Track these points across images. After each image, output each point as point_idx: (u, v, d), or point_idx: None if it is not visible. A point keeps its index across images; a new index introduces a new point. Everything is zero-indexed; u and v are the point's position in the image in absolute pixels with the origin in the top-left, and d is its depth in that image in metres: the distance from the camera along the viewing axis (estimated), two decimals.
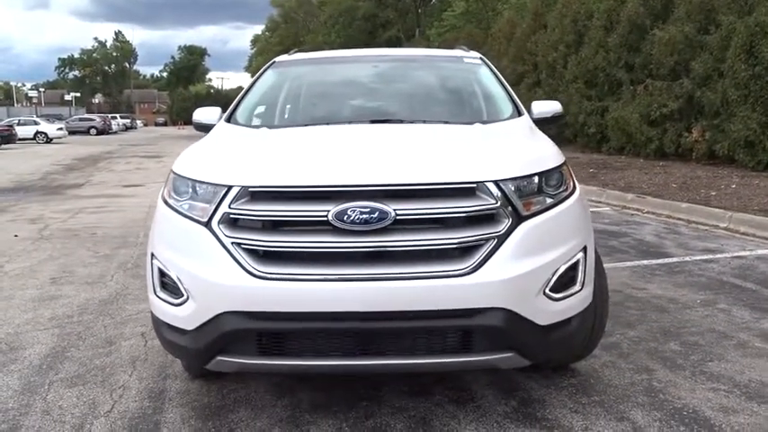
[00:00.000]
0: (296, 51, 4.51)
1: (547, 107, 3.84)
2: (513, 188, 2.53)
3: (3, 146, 28.08)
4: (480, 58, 4.17)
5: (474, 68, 4.05)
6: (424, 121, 3.37)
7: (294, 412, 2.90)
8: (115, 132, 50.02)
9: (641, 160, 13.60)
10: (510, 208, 2.50)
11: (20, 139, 33.53)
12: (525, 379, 3.21)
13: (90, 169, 17.33)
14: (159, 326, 2.76)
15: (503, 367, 2.66)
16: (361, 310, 2.40)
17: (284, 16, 53.29)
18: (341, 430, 2.74)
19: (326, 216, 2.40)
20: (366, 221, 2.39)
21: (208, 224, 2.53)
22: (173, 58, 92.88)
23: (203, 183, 2.61)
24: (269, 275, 2.42)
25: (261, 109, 3.83)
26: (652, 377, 3.22)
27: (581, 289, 2.72)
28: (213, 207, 2.53)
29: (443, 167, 2.55)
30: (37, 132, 37.26)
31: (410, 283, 2.39)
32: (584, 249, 2.74)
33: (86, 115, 57.38)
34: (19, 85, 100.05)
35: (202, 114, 3.83)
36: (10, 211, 9.87)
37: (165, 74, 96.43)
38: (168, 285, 2.66)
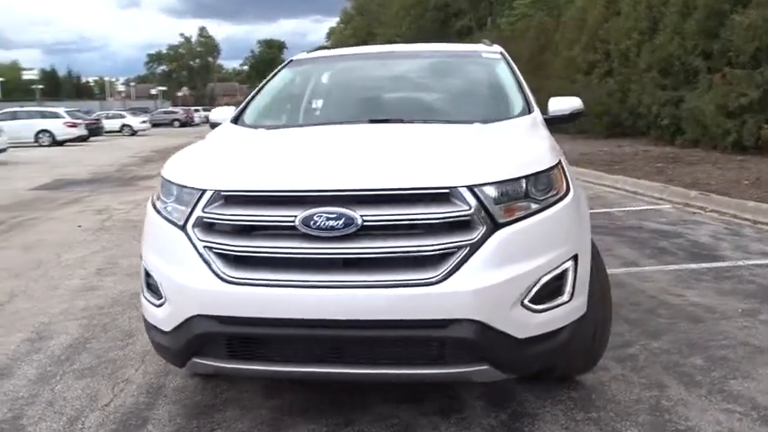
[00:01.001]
0: (316, 49, 4.48)
1: (564, 104, 3.66)
2: (489, 194, 2.40)
3: (90, 138, 29.60)
4: (500, 53, 4.01)
5: (491, 64, 3.90)
6: (425, 121, 3.27)
7: (278, 415, 2.89)
8: (197, 124, 51.81)
9: (717, 154, 12.81)
10: (485, 214, 2.37)
11: (108, 132, 35.33)
12: (523, 390, 3.07)
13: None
14: (146, 326, 2.81)
15: (478, 380, 2.55)
16: (328, 317, 2.35)
17: (358, 8, 53.63)
18: None
19: (294, 221, 2.36)
20: (332, 228, 2.34)
21: (183, 227, 2.54)
22: (252, 51, 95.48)
23: (182, 186, 2.62)
24: (238, 280, 2.40)
25: (268, 109, 3.82)
26: (662, 394, 3.02)
27: (569, 300, 2.56)
28: (189, 210, 2.54)
29: (415, 172, 2.45)
30: (123, 125, 39.15)
31: (377, 292, 2.32)
32: (575, 258, 2.58)
33: (170, 108, 59.78)
34: (113, 79, 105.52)
35: (217, 114, 3.88)
36: (81, 202, 10.39)
37: (245, 67, 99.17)
38: (152, 286, 2.70)
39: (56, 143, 26.52)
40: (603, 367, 3.31)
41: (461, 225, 2.37)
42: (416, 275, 2.32)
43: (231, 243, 2.45)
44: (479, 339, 2.34)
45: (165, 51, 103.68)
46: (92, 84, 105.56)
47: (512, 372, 2.53)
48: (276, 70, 4.16)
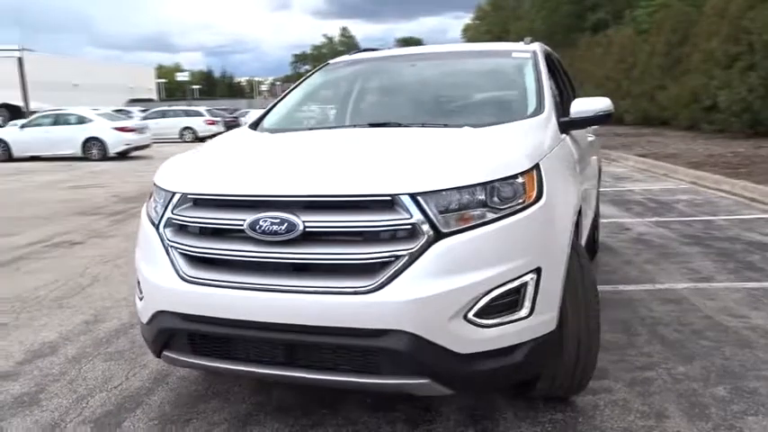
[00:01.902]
0: (358, 51, 4.51)
1: (588, 105, 3.42)
2: (432, 202, 2.32)
3: None
4: (533, 52, 3.81)
5: (517, 64, 3.72)
6: (423, 125, 3.20)
7: (254, 411, 2.97)
8: None
9: None
10: (427, 223, 2.30)
11: None
12: (506, 406, 2.93)
13: None
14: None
15: (420, 394, 2.47)
16: (273, 321, 2.39)
17: (493, 4, 52.87)
18: None
19: (243, 225, 2.43)
20: (275, 232, 2.37)
21: (157, 227, 2.69)
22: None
23: (160, 188, 2.77)
24: (196, 280, 2.51)
25: (290, 112, 3.90)
26: (658, 425, 2.75)
27: (528, 316, 2.42)
28: (162, 211, 2.69)
29: (359, 179, 2.42)
30: None
31: (315, 298, 2.32)
32: (537, 271, 2.43)
33: None
34: (260, 79, 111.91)
35: (250, 117, 4.04)
36: None
37: None
38: (138, 281, 2.89)
39: (197, 139, 28.63)
40: (608, 389, 3.08)
41: (402, 233, 2.31)
42: (353, 283, 2.30)
43: (192, 244, 2.56)
44: (413, 352, 2.27)
45: (308, 52, 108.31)
46: (243, 83, 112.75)
47: (457, 388, 2.43)
48: (310, 73, 4.25)
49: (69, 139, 18.75)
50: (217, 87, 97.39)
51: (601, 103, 3.46)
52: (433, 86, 3.84)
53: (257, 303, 2.40)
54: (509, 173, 2.45)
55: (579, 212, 3.12)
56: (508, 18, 49.31)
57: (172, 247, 2.60)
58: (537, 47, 3.96)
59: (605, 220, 7.33)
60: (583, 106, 3.42)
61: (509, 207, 2.42)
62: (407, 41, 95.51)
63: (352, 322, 2.29)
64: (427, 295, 2.26)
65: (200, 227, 2.57)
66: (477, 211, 2.38)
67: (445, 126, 3.13)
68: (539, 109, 3.27)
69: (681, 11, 21.75)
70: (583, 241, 3.53)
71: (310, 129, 3.50)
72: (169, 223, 2.65)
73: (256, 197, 2.47)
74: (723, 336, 3.74)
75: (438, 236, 2.30)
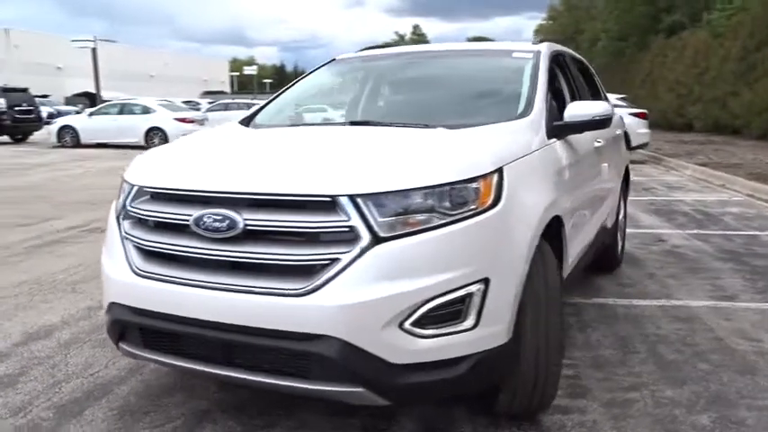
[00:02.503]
0: (366, 48, 4.44)
1: (583, 110, 3.26)
2: (372, 204, 2.23)
3: None
4: (535, 53, 3.64)
5: (515, 64, 3.57)
6: (404, 125, 3.10)
7: (212, 407, 2.96)
8: None
9: None
10: (365, 227, 2.21)
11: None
12: (466, 419, 2.81)
13: None
14: None
15: (356, 403, 2.38)
16: (210, 319, 2.36)
17: (565, 4, 51.53)
18: None
19: (188, 220, 2.41)
20: (217, 229, 2.34)
21: (117, 219, 2.71)
22: None
23: (124, 181, 2.79)
24: (145, 274, 2.51)
25: (288, 106, 3.87)
26: None
27: (473, 327, 2.30)
28: (122, 204, 2.71)
29: (301, 178, 2.35)
30: None
31: (252, 298, 2.28)
32: (486, 281, 2.30)
33: None
34: None
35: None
36: None
37: None
38: None
39: None
40: (582, 409, 2.92)
41: (340, 236, 2.24)
42: (288, 285, 2.24)
43: (145, 238, 2.56)
44: (344, 359, 2.19)
45: None
46: None
47: (394, 399, 2.33)
48: (314, 69, 4.21)
49: (133, 127, 19.43)
50: (287, 81, 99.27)
51: (597, 108, 3.28)
52: (425, 86, 3.74)
53: (199, 301, 2.38)
54: (459, 177, 2.33)
55: (561, 222, 2.97)
56: (581, 18, 47.99)
57: (127, 239, 2.62)
58: (543, 47, 3.78)
59: (641, 231, 7.03)
60: (578, 110, 3.25)
61: (458, 213, 2.30)
62: (478, 41, 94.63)
63: (285, 325, 2.24)
64: (360, 301, 2.17)
65: (153, 220, 2.57)
66: (423, 216, 2.27)
67: (425, 126, 3.03)
68: (525, 111, 3.12)
69: (760, 15, 20.58)
70: (573, 252, 3.35)
71: (292, 125, 3.46)
72: (127, 216, 2.66)
73: (202, 193, 2.44)
74: (727, 359, 3.48)
75: (376, 240, 2.21)
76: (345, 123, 3.26)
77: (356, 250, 2.20)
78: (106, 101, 23.90)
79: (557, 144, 3.16)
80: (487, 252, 2.34)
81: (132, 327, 2.61)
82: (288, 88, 4.04)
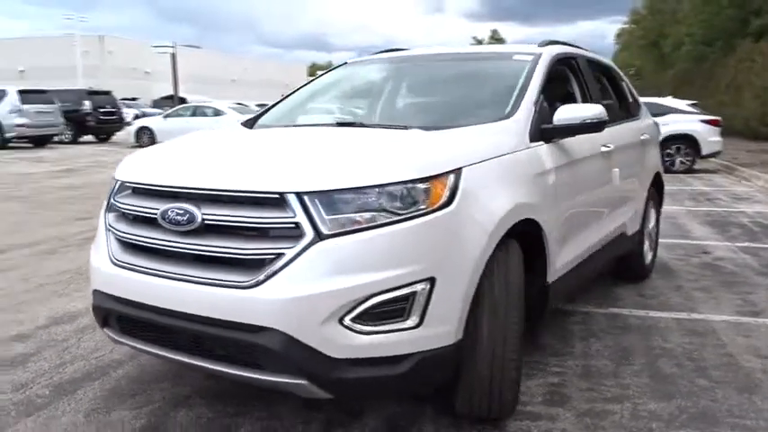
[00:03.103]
0: (381, 52, 4.50)
1: (574, 113, 3.20)
2: (318, 202, 2.29)
3: None
4: (536, 56, 3.60)
5: (514, 67, 3.53)
6: (387, 126, 3.15)
7: (194, 394, 3.08)
8: None
9: None
10: (309, 223, 2.27)
11: None
12: (429, 419, 2.81)
13: None
14: None
15: (303, 395, 2.42)
16: (171, 307, 2.47)
17: (649, 7, 49.68)
18: (193, 421, 2.84)
19: (156, 214, 2.54)
20: (178, 222, 2.46)
21: (104, 212, 2.89)
22: None
23: (113, 177, 2.96)
24: (121, 264, 2.66)
25: (294, 108, 3.97)
26: None
27: (416, 327, 2.32)
28: (108, 198, 2.88)
29: (254, 175, 2.44)
30: None
31: (206, 289, 2.38)
32: (431, 281, 2.32)
33: None
34: None
35: None
36: None
37: None
38: None
39: None
40: (553, 417, 2.87)
41: (286, 232, 2.31)
42: (238, 278, 2.33)
43: (122, 230, 2.71)
44: (286, 351, 2.25)
45: None
46: None
47: (336, 393, 2.37)
48: (326, 71, 4.31)
49: (203, 129, 20.16)
50: None
51: (589, 111, 3.22)
52: (423, 89, 3.78)
53: (164, 290, 2.50)
54: (408, 177, 2.36)
55: (540, 229, 2.93)
56: (666, 21, 46.18)
57: (109, 231, 2.78)
58: (546, 50, 3.73)
59: (687, 242, 6.76)
60: (568, 113, 3.20)
61: (406, 212, 2.33)
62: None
63: (234, 316, 2.32)
64: (300, 296, 2.24)
65: (129, 214, 2.72)
66: (369, 214, 2.31)
67: (404, 128, 3.06)
68: (509, 114, 3.10)
69: None
70: (564, 257, 3.29)
71: (286, 126, 3.56)
72: (111, 209, 2.83)
73: (168, 188, 2.57)
74: (729, 376, 3.32)
75: (319, 237, 2.27)
76: (333, 124, 3.32)
77: (300, 246, 2.27)
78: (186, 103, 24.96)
79: (542, 147, 3.12)
80: (435, 252, 2.35)
81: (112, 314, 2.77)
82: (298, 90, 4.15)
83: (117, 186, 2.83)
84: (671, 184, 12.22)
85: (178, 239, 2.49)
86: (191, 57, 49.57)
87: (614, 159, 4.05)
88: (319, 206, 2.29)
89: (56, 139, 21.18)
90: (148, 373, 3.35)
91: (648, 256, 5.25)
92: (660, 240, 6.68)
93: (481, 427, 2.76)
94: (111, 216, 2.82)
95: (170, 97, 45.60)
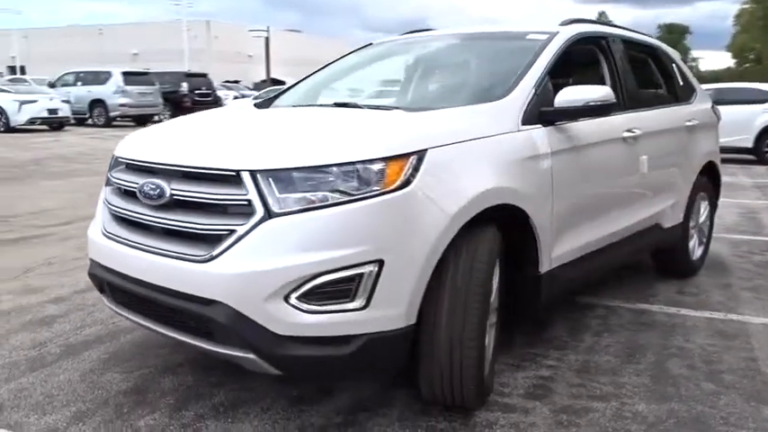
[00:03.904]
0: (413, 32, 4.43)
1: (577, 95, 3.05)
2: (272, 180, 2.31)
3: None
4: (550, 35, 3.44)
5: (524, 47, 3.38)
6: (378, 107, 3.13)
7: (186, 362, 3.20)
8: None
9: None
10: (261, 201, 2.30)
11: None
12: (399, 405, 2.79)
13: None
14: None
15: (254, 369, 2.45)
16: (140, 277, 2.58)
17: None
18: (174, 387, 2.97)
19: (136, 188, 2.65)
20: (151, 197, 2.56)
21: (105, 185, 3.04)
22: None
23: (113, 153, 3.11)
24: (109, 235, 2.81)
25: (313, 88, 3.99)
26: None
27: (363, 308, 2.30)
28: (108, 173, 3.03)
29: (218, 153, 2.50)
30: None
31: (169, 261, 2.47)
32: (380, 263, 2.29)
33: None
34: None
35: None
36: None
37: None
38: None
39: None
40: (527, 410, 2.78)
41: (240, 209, 2.35)
42: (195, 251, 2.40)
43: (112, 202, 2.85)
44: (233, 325, 2.30)
45: None
46: None
47: (283, 369, 2.40)
48: (350, 51, 4.30)
49: None
50: None
51: (594, 93, 3.06)
52: (430, 69, 3.73)
53: (137, 261, 2.60)
54: (362, 157, 2.33)
55: (527, 219, 2.83)
56: None
57: (104, 204, 2.93)
58: (563, 30, 3.56)
59: (759, 239, 6.29)
60: (569, 96, 3.05)
61: (359, 192, 2.31)
62: (671, 28, 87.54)
63: (190, 288, 2.39)
64: (247, 272, 2.27)
65: (120, 187, 2.85)
66: (321, 194, 2.31)
67: (396, 109, 3.03)
68: (503, 95, 2.99)
69: None
70: (564, 246, 3.15)
71: (293, 106, 3.59)
72: (108, 183, 2.98)
73: (147, 163, 2.68)
74: (742, 383, 3.08)
75: (269, 215, 2.29)
76: (330, 105, 3.33)
77: (251, 223, 2.30)
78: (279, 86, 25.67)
79: (538, 131, 2.99)
80: (385, 234, 2.31)
81: (103, 281, 2.92)
82: (320, 70, 4.18)
83: (113, 162, 2.97)
84: (764, 177, 11.36)
85: (151, 213, 2.59)
86: (291, 41, 50.79)
87: (642, 146, 3.82)
88: (272, 184, 2.31)
89: (155, 118, 22.41)
90: (152, 340, 3.50)
91: (697, 252, 4.92)
92: (726, 236, 6.28)
93: (449, 415, 2.71)
94: (107, 190, 2.97)
95: (271, 80, 47.27)
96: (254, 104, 3.77)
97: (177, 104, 23.20)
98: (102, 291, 3.01)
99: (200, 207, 2.46)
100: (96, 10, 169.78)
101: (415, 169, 2.39)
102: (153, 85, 21.59)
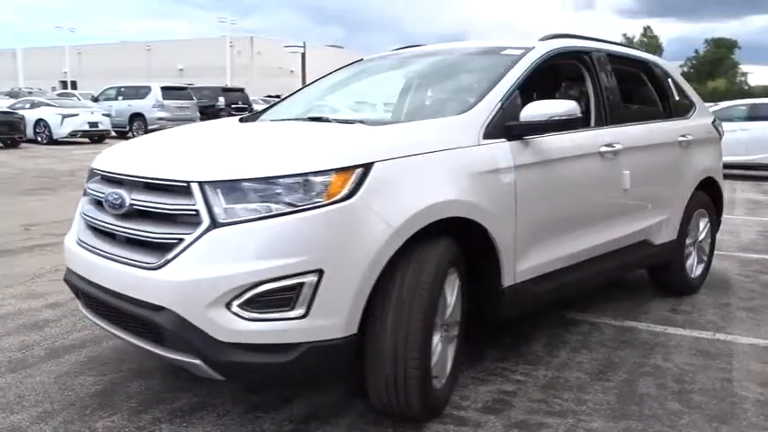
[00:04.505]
0: (403, 48, 4.50)
1: (541, 109, 3.06)
2: (220, 191, 2.39)
3: None
4: (525, 50, 3.46)
5: (499, 62, 3.41)
6: (346, 122, 3.19)
7: (155, 369, 3.29)
8: None
9: None
10: (207, 211, 2.39)
11: None
12: (351, 416, 2.82)
13: None
14: None
15: (201, 375, 2.52)
16: (103, 284, 2.69)
17: None
18: (141, 391, 3.06)
19: (102, 198, 2.77)
20: (113, 206, 2.68)
21: (83, 196, 3.18)
22: (696, 51, 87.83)
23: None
24: (80, 242, 2.93)
25: (298, 103, 4.08)
26: None
27: (303, 317, 2.36)
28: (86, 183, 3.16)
29: (172, 165, 2.60)
30: None
31: (125, 268, 2.57)
32: (320, 273, 2.34)
33: None
34: None
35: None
36: None
37: (683, 68, 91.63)
38: None
39: None
40: (480, 424, 2.78)
41: (188, 219, 2.44)
42: (147, 259, 2.49)
43: (85, 212, 2.98)
44: (179, 331, 2.38)
45: None
46: None
47: (226, 376, 2.46)
48: (339, 67, 4.39)
49: None
50: None
51: (558, 107, 3.06)
52: (409, 85, 3.76)
53: (101, 269, 2.71)
54: (306, 169, 2.40)
55: (486, 234, 2.86)
56: None
57: (80, 214, 3.06)
58: (541, 44, 3.57)
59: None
60: (535, 110, 3.07)
61: (302, 204, 2.37)
62: (719, 42, 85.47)
63: (142, 295, 2.48)
64: (191, 279, 2.35)
65: (93, 198, 2.97)
66: (266, 205, 2.38)
67: (361, 122, 3.08)
68: (466, 109, 3.02)
69: None
70: (529, 262, 3.15)
71: (269, 120, 3.68)
72: (85, 193, 3.11)
73: (112, 174, 2.80)
74: (710, 403, 3.01)
75: (214, 224, 2.37)
76: (305, 119, 3.40)
77: (197, 232, 2.39)
78: None
79: (501, 145, 3.00)
80: (326, 244, 2.36)
81: (74, 287, 3.04)
82: (310, 84, 4.28)
83: (90, 173, 3.10)
84: None
85: (115, 222, 2.70)
86: (332, 56, 51.40)
87: (625, 161, 3.78)
88: (219, 195, 2.40)
89: None
90: (108, 355, 3.56)
91: (696, 270, 4.83)
92: (738, 254, 6.14)
93: (400, 426, 2.73)
94: (84, 200, 3.09)
95: None
96: (239, 119, 3.87)
97: (214, 118, 23.74)
98: (78, 297, 3.13)
99: (155, 216, 2.56)
100: (148, 27, 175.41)
101: (360, 182, 2.44)
102: (191, 99, 22.16)
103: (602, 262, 3.75)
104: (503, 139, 3.03)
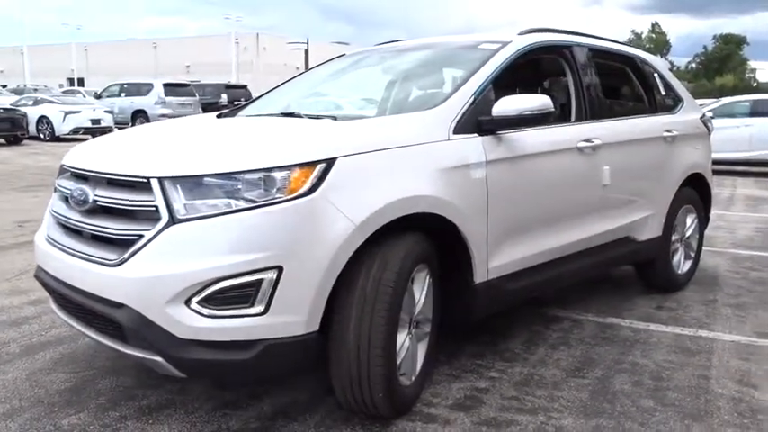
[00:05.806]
0: (384, 43, 4.47)
1: (511, 105, 3.02)
2: (179, 187, 2.38)
3: None
4: (501, 45, 3.42)
5: (474, 56, 3.37)
6: (318, 117, 3.16)
7: (129, 367, 3.29)
8: None
9: None
10: (166, 207, 2.37)
11: None
12: (320, 413, 2.80)
13: None
14: None
15: (163, 372, 2.50)
16: (67, 281, 2.68)
17: None
18: (111, 388, 3.05)
19: (68, 194, 2.76)
20: (78, 202, 2.67)
21: (53, 192, 3.17)
22: (704, 48, 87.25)
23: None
24: (48, 239, 2.92)
25: (274, 97, 4.06)
26: None
27: (262, 314, 2.34)
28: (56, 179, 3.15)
29: (132, 161, 2.58)
30: None
31: (88, 264, 2.55)
32: (279, 269, 2.32)
33: None
34: None
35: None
36: None
37: (692, 65, 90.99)
38: None
39: None
40: (449, 421, 2.76)
41: (148, 215, 2.42)
42: (108, 255, 2.48)
43: (54, 208, 2.97)
44: (138, 328, 2.37)
45: None
46: None
47: (186, 373, 2.45)
48: (321, 63, 4.36)
49: None
50: None
51: (530, 102, 3.03)
52: (385, 80, 3.73)
53: (66, 265, 2.70)
54: (265, 165, 2.38)
55: (457, 230, 2.83)
56: None
57: (50, 210, 3.05)
58: (518, 39, 3.53)
59: (763, 254, 6.04)
60: (506, 105, 3.03)
61: (260, 200, 2.35)
62: (727, 39, 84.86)
63: (103, 292, 2.47)
64: (150, 276, 2.34)
65: (61, 194, 2.96)
66: (225, 200, 2.37)
67: (332, 118, 3.06)
68: (437, 104, 2.99)
69: None
70: (503, 258, 3.12)
71: (244, 116, 3.67)
72: (55, 190, 3.10)
73: (77, 170, 2.79)
74: (684, 401, 2.98)
75: (173, 221, 2.36)
76: (278, 115, 3.38)
77: (156, 228, 2.37)
78: None
79: (471, 140, 2.97)
80: (285, 241, 2.34)
81: (46, 285, 3.03)
82: (292, 79, 4.26)
83: (60, 170, 3.09)
84: None
85: (79, 218, 2.69)
86: (338, 53, 51.38)
87: (604, 156, 3.75)
88: (179, 191, 2.38)
89: None
90: (84, 350, 3.57)
91: (683, 266, 4.78)
92: (732, 251, 6.09)
93: (367, 424, 2.71)
94: (54, 197, 3.09)
95: None
96: (216, 115, 3.86)
97: None
98: (50, 294, 3.13)
99: (117, 213, 2.55)
100: (155, 24, 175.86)
101: (322, 177, 2.42)
102: (193, 96, 22.20)
103: (582, 258, 3.72)
104: (474, 135, 3.00)
